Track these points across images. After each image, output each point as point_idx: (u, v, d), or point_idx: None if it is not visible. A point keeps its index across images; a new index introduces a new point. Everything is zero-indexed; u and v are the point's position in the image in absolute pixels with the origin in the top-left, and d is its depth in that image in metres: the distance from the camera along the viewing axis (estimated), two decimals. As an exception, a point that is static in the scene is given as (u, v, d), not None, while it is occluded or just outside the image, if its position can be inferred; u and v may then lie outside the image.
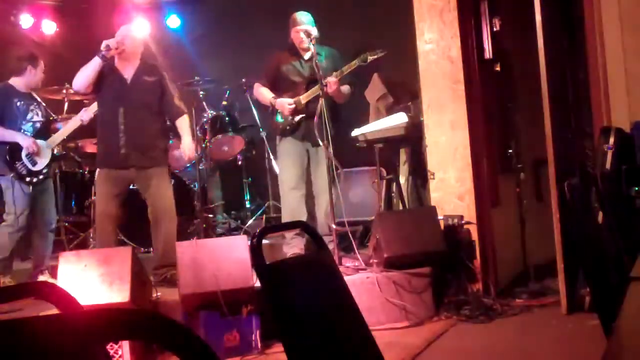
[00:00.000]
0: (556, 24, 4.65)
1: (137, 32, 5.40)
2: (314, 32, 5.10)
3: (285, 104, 5.10)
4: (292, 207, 5.12)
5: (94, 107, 5.26)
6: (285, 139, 5.21)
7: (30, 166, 5.08)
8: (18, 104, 5.15)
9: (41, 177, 5.16)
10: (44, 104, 5.40)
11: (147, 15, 7.62)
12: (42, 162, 5.16)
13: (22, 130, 5.14)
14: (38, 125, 5.25)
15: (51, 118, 5.41)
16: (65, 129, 5.32)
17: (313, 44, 4.97)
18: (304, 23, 5.14)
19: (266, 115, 5.55)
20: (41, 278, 5.18)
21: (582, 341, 3.75)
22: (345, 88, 5.18)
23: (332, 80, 4.92)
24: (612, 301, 1.73)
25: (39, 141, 5.15)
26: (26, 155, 5.07)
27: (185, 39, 7.76)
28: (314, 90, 5.01)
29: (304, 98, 5.09)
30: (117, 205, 4.87)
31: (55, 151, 5.35)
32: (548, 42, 4.35)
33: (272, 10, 7.07)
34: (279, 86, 5.24)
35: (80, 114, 5.30)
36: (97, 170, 4.97)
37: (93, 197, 6.15)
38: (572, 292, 4.32)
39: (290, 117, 5.11)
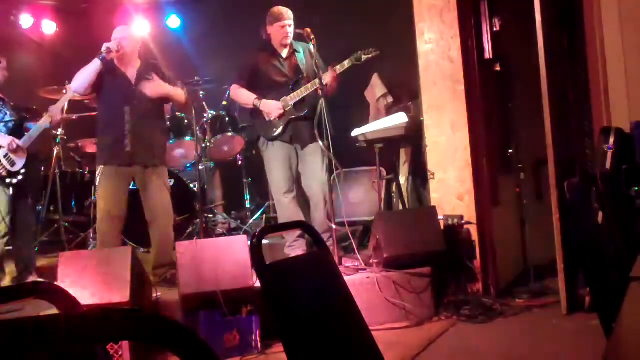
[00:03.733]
0: (556, 24, 4.65)
1: (133, 31, 5.38)
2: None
3: (273, 106, 4.94)
4: (289, 210, 5.02)
5: (60, 104, 5.20)
6: (273, 143, 5.02)
7: (9, 167, 4.96)
8: None
9: (20, 177, 5.02)
10: (11, 103, 5.24)
11: (147, 15, 7.64)
12: (20, 162, 5.01)
13: None
14: (10, 125, 5.11)
15: (19, 118, 5.19)
16: (37, 127, 5.14)
17: (294, 40, 4.92)
18: (290, 18, 5.00)
19: (246, 116, 5.38)
20: (30, 280, 5.13)
21: (582, 341, 3.75)
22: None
23: (334, 71, 4.81)
24: (612, 301, 1.73)
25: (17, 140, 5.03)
26: (4, 156, 4.95)
27: (185, 39, 7.76)
28: (302, 91, 4.90)
29: (290, 99, 4.95)
30: (122, 204, 4.85)
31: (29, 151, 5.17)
32: (548, 42, 4.35)
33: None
34: (259, 86, 5.05)
35: (50, 111, 5.16)
36: (101, 167, 4.88)
37: (93, 197, 6.16)
38: (572, 292, 4.32)
39: (278, 120, 4.95)
